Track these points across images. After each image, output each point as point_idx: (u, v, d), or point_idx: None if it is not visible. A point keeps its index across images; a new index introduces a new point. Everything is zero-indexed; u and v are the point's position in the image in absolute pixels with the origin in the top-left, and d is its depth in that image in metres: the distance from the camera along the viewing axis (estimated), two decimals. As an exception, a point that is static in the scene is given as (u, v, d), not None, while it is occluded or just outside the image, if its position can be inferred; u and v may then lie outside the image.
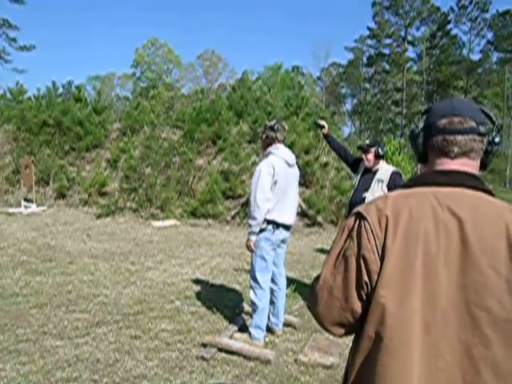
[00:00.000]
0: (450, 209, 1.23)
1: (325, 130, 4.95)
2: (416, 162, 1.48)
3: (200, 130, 12.71)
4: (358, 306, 1.27)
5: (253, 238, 3.99)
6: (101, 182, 11.83)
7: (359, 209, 1.33)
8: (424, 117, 1.42)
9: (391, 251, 1.20)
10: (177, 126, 13.73)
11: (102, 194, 11.89)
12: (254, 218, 3.89)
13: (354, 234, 1.28)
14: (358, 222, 1.29)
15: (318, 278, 1.39)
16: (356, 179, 4.83)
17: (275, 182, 3.95)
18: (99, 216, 10.78)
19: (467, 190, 1.28)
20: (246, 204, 10.13)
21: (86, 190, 11.82)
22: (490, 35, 49.29)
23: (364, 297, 1.26)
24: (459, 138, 1.32)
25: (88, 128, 13.47)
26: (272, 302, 4.32)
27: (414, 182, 1.34)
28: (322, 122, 4.94)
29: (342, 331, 1.34)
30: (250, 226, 3.95)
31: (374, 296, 1.22)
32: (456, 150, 1.33)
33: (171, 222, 10.42)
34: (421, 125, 1.41)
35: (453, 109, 1.34)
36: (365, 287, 1.24)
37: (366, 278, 1.24)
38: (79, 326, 4.42)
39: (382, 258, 1.22)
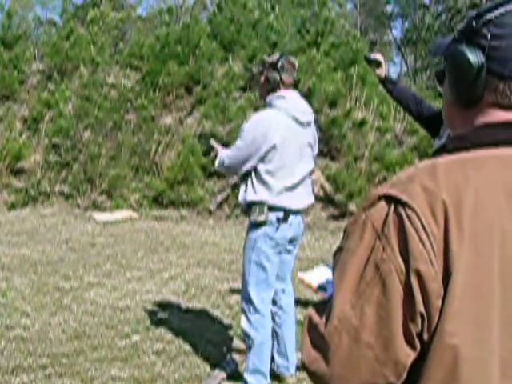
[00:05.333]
0: None
1: (381, 70, 4.76)
2: (461, 105, 1.38)
3: (167, 71, 12.64)
4: (405, 355, 1.19)
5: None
6: (14, 153, 11.80)
7: (390, 190, 1.23)
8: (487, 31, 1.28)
9: (459, 260, 1.15)
10: (131, 65, 13.64)
11: (17, 173, 11.88)
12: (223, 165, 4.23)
13: (391, 233, 1.19)
14: (394, 214, 1.20)
15: (316, 312, 1.30)
16: (437, 145, 4.76)
17: (272, 147, 3.99)
18: (13, 206, 10.79)
19: None
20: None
21: (-9, 167, 11.82)
22: None
23: (416, 339, 1.19)
24: None
25: (-7, 70, 13.40)
26: (275, 334, 4.37)
27: (469, 142, 1.29)
28: (378, 56, 4.72)
29: None
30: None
31: (436, 334, 1.17)
32: None
33: (124, 213, 10.45)
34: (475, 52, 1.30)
35: None
36: (419, 322, 1.17)
37: (421, 306, 1.16)
38: (-15, 374, 4.48)
39: (445, 272, 1.16)
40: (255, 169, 4.05)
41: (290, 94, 4.17)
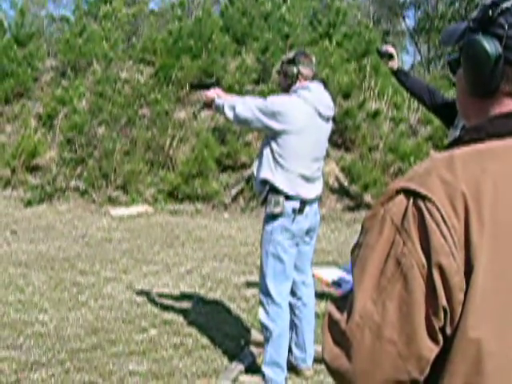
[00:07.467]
0: None
1: (393, 63, 4.78)
2: (477, 95, 1.36)
3: (180, 65, 12.64)
4: (429, 350, 1.18)
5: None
6: (30, 150, 11.85)
7: (408, 183, 1.21)
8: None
9: (481, 252, 1.14)
10: (144, 60, 13.66)
11: (33, 169, 11.94)
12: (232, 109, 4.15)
13: (411, 227, 1.17)
14: (413, 207, 1.19)
15: (336, 309, 1.29)
16: (451, 136, 4.75)
17: (286, 131, 3.99)
18: (29, 203, 10.85)
19: None
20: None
21: (7, 164, 11.87)
22: None
23: (439, 333, 1.17)
24: None
25: (6, 67, 13.45)
26: (294, 326, 4.37)
27: (485, 133, 1.27)
28: (390, 49, 4.75)
29: None
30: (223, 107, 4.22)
31: (459, 329, 1.16)
32: None
33: (140, 208, 10.47)
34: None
35: None
36: (442, 316, 1.16)
37: (444, 300, 1.15)
38: (5, 370, 4.48)
39: (466, 265, 1.15)
40: (272, 150, 4.05)
41: (315, 86, 4.18)
